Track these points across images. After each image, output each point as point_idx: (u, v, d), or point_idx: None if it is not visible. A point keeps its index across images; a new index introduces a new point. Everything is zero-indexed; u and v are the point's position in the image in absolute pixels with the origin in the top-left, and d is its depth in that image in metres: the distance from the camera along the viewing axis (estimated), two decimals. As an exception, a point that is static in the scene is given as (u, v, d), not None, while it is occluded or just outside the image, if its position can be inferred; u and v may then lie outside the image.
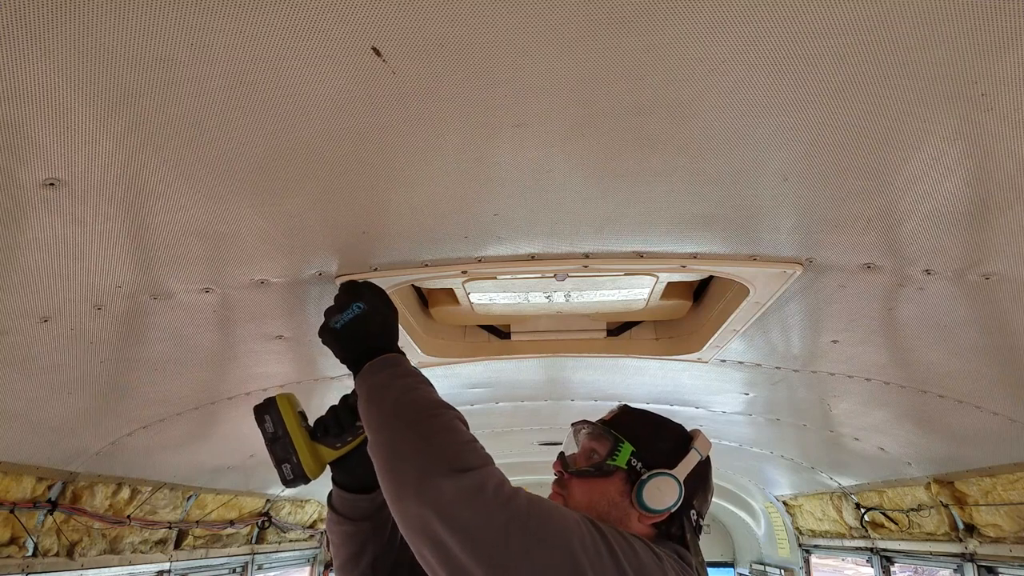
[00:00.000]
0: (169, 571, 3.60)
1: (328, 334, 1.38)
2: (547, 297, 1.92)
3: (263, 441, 1.38)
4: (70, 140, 1.02)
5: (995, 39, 0.86)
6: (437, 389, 1.26)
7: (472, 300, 1.93)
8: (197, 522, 3.71)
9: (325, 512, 1.70)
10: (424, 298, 2.14)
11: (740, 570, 7.36)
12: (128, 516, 3.10)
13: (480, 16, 0.85)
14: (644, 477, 1.27)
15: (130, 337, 1.79)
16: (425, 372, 1.31)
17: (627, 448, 1.30)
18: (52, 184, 1.11)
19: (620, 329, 2.35)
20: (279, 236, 1.41)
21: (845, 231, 1.41)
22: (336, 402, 1.41)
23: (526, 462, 5.00)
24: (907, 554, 4.06)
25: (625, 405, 1.44)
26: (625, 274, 1.71)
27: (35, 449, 2.37)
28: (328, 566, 5.47)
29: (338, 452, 1.37)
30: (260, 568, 4.59)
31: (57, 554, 2.80)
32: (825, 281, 1.67)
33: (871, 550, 4.40)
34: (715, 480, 1.39)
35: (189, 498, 3.54)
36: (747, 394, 2.87)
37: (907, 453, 3.21)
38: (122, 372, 2.00)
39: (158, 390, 2.20)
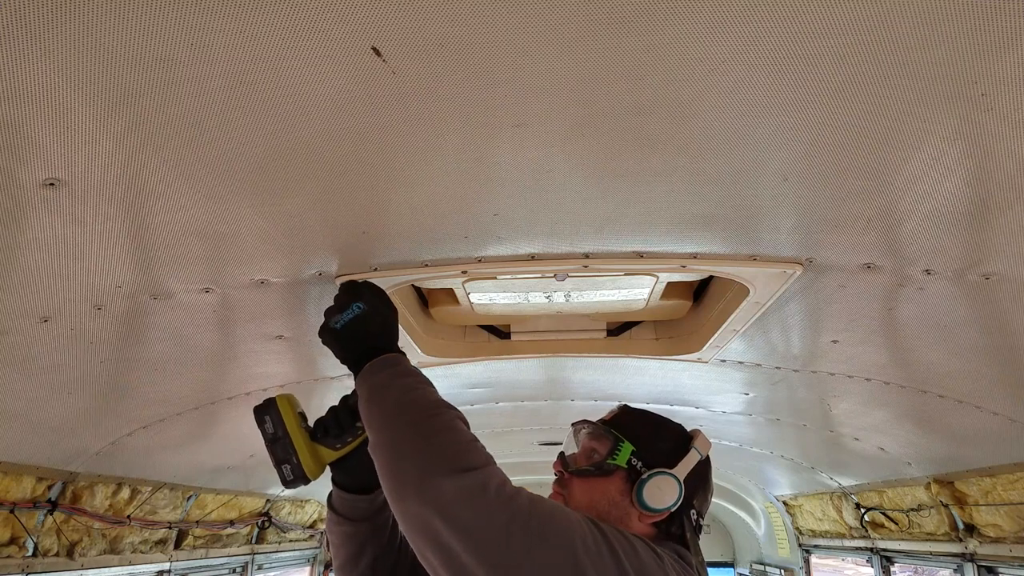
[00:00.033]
0: (169, 571, 3.60)
1: (328, 334, 1.38)
2: (547, 297, 1.92)
3: (263, 442, 1.38)
4: (70, 140, 1.01)
5: (995, 39, 0.86)
6: (437, 389, 1.26)
7: (472, 300, 1.93)
8: (197, 522, 3.71)
9: (325, 512, 1.70)
10: (424, 298, 2.14)
11: (740, 570, 7.36)
12: (128, 516, 3.10)
13: (480, 16, 0.85)
14: (644, 476, 1.27)
15: (130, 337, 1.79)
16: (425, 372, 1.30)
17: (627, 447, 1.30)
18: (52, 184, 1.11)
19: (620, 329, 2.35)
20: (279, 236, 1.41)
21: (845, 231, 1.41)
22: (336, 402, 1.41)
23: (526, 462, 5.00)
24: (907, 554, 4.06)
25: (625, 405, 1.44)
26: (625, 274, 1.72)
27: (35, 449, 2.37)
28: (328, 566, 5.46)
29: (338, 453, 1.37)
30: (260, 568, 4.59)
31: (57, 554, 2.80)
32: (825, 281, 1.67)
33: (871, 550, 4.40)
34: (715, 480, 1.39)
35: (189, 498, 3.54)
36: (747, 394, 2.87)
37: (907, 453, 3.21)
38: (122, 372, 2.00)
39: (158, 390, 2.20)
